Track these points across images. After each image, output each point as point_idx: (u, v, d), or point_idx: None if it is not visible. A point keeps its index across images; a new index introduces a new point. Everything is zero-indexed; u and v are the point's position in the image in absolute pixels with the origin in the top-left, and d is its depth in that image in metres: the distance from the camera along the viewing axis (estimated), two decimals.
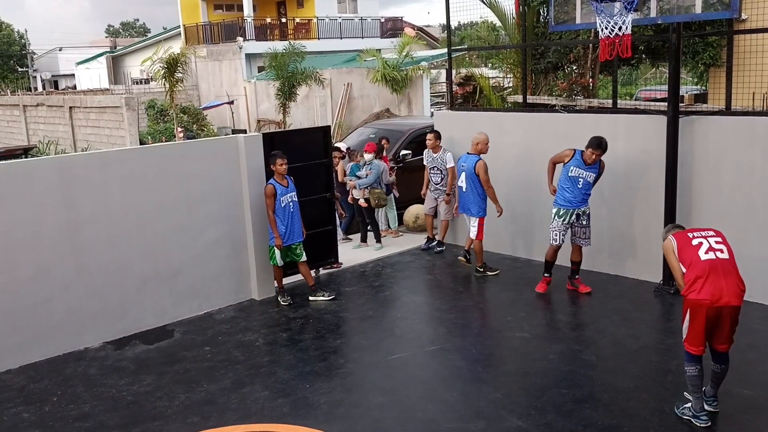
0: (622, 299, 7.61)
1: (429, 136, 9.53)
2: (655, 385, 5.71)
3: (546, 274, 7.82)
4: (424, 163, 9.73)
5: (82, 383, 6.10)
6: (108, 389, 5.97)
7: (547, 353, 6.40)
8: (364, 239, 10.31)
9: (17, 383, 6.15)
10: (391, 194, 10.58)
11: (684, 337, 5.01)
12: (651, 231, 7.89)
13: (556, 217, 7.57)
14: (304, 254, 7.93)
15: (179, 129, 19.98)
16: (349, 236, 10.57)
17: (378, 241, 10.16)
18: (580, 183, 7.42)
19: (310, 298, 7.95)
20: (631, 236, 8.15)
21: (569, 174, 7.44)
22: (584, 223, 7.59)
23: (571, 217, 7.52)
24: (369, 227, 10.29)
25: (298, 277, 8.70)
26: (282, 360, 6.46)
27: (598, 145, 7.31)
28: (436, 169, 9.45)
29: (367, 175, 9.98)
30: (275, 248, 7.71)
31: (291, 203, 7.70)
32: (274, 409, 5.50)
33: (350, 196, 10.19)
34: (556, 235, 7.60)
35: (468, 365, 6.26)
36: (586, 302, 7.59)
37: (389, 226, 10.82)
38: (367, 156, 10.20)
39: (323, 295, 7.94)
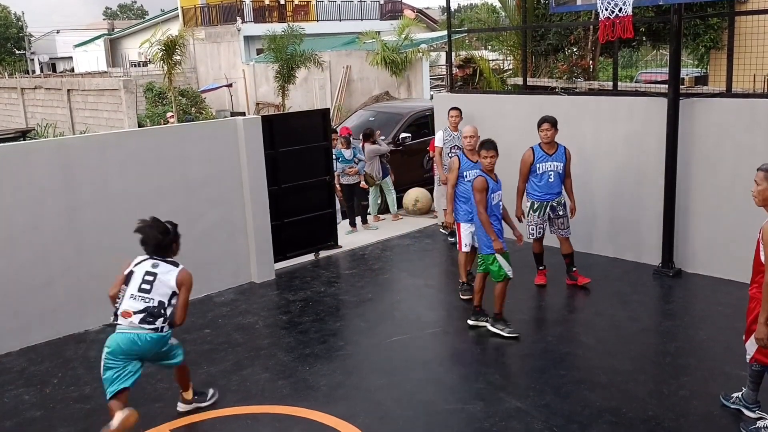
0: (621, 282, 7.62)
1: (453, 113, 8.77)
2: (654, 366, 5.73)
3: (540, 267, 7.63)
4: (438, 144, 8.94)
5: (82, 365, 6.13)
6: None
7: (546, 335, 6.43)
8: (365, 221, 10.40)
9: (18, 365, 6.17)
10: (388, 177, 10.56)
11: None
12: (650, 213, 7.88)
13: (531, 211, 7.36)
14: None
15: (169, 114, 19.86)
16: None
17: (365, 222, 10.34)
18: (551, 176, 7.19)
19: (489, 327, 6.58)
20: (631, 219, 8.14)
21: (538, 172, 7.20)
22: (560, 213, 7.37)
23: (545, 209, 7.33)
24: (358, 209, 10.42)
25: (297, 260, 8.71)
26: (282, 342, 6.49)
27: (544, 120, 7.16)
28: (457, 148, 8.41)
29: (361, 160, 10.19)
30: (497, 255, 6.23)
31: (500, 203, 6.44)
32: (275, 391, 5.52)
33: (337, 179, 9.82)
34: (533, 230, 7.39)
35: (467, 347, 6.29)
36: (585, 285, 7.60)
37: (382, 211, 10.85)
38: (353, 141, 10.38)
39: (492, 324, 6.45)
